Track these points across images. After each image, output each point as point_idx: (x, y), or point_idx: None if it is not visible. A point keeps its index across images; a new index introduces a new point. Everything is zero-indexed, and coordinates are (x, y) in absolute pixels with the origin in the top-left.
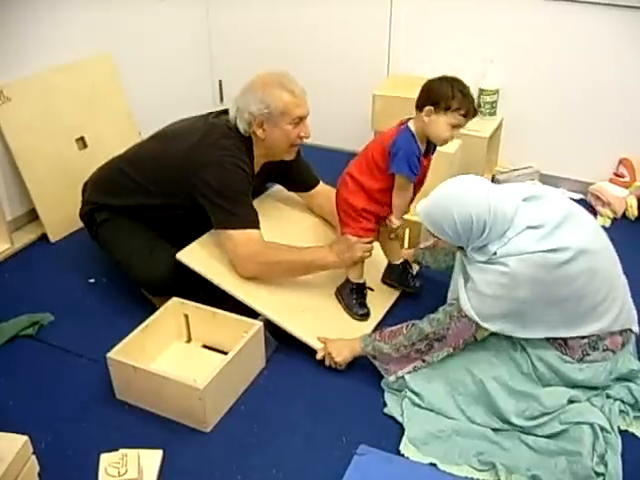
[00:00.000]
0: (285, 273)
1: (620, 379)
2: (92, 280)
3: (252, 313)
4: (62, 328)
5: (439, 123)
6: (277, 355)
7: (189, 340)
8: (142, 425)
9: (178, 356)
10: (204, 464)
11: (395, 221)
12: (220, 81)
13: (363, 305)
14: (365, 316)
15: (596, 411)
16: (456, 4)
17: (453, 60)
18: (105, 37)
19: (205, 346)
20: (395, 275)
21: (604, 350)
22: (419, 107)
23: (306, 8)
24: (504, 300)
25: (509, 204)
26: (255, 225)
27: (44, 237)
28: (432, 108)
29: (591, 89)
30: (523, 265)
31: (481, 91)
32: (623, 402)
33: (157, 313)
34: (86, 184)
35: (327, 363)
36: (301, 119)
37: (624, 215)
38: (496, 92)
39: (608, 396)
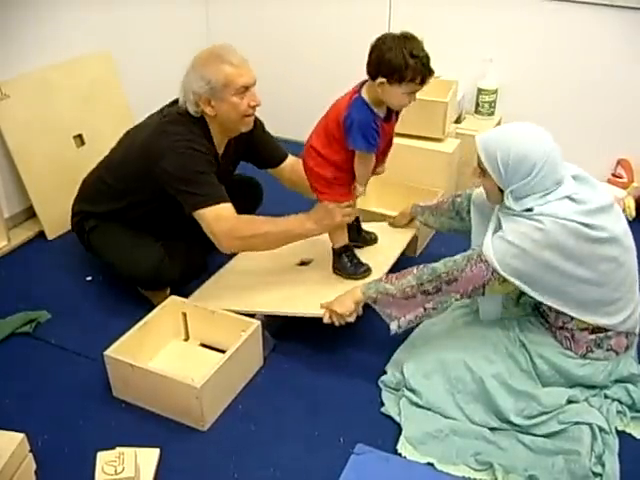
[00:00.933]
0: (265, 245)
1: (619, 381)
2: (89, 278)
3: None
4: (59, 326)
5: (394, 93)
6: (275, 354)
7: (187, 338)
8: (139, 423)
9: (176, 354)
10: (201, 463)
11: (359, 188)
12: None
13: (360, 263)
14: (366, 272)
15: (594, 411)
16: (455, 4)
17: (452, 59)
18: (104, 35)
19: (203, 345)
20: (350, 235)
21: (608, 350)
22: (371, 76)
23: (305, 8)
24: (529, 256)
25: (562, 168)
26: (222, 200)
27: (41, 234)
28: (385, 79)
29: (590, 89)
30: (557, 228)
31: (480, 91)
32: (621, 403)
33: (155, 311)
34: (76, 196)
35: (336, 323)
36: (247, 88)
37: None
38: (495, 92)
39: (606, 396)
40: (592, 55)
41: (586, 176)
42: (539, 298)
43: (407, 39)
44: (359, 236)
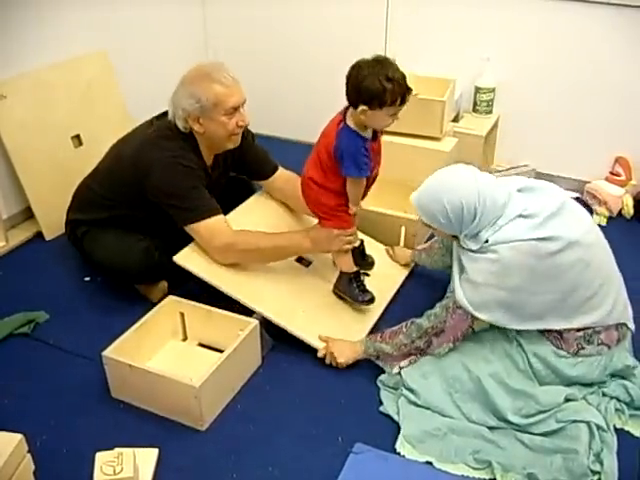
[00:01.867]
0: (261, 259)
1: (615, 375)
2: (87, 278)
3: (247, 311)
4: (57, 326)
5: (377, 118)
6: (273, 354)
7: (185, 338)
8: (138, 423)
9: (174, 354)
10: (200, 462)
11: (353, 208)
12: None
13: (366, 291)
14: (371, 301)
15: (592, 409)
16: (452, 3)
17: (449, 58)
18: (101, 35)
19: (201, 344)
20: (354, 258)
21: (599, 344)
22: (352, 104)
23: (303, 7)
24: (495, 288)
25: (500, 192)
26: (215, 213)
27: (39, 235)
28: (366, 107)
29: (587, 88)
30: (513, 253)
31: (477, 89)
32: (619, 400)
33: (153, 311)
34: (69, 206)
35: (327, 362)
36: (236, 108)
37: (620, 214)
38: (492, 90)
39: (604, 394)
40: (590, 53)
41: (531, 185)
42: (521, 327)
43: (380, 63)
44: (363, 260)
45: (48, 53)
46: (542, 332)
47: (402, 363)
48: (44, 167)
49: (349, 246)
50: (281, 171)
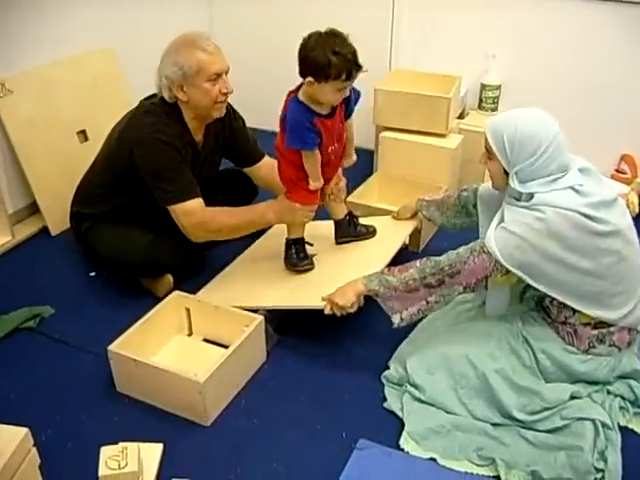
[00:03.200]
0: (229, 235)
1: (622, 377)
2: (93, 273)
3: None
4: (63, 321)
5: (323, 92)
6: (278, 349)
7: (190, 334)
8: (142, 418)
9: (179, 350)
10: (204, 458)
11: (312, 183)
12: None
13: (304, 257)
14: (308, 265)
15: (597, 407)
16: (458, 0)
17: (455, 55)
18: (108, 32)
19: (206, 340)
20: (344, 229)
21: (610, 345)
22: (301, 75)
23: (308, 4)
24: (530, 246)
25: (568, 156)
26: (191, 196)
27: (45, 230)
28: (312, 78)
29: (593, 85)
30: (559, 218)
31: (483, 86)
32: (623, 398)
33: (158, 306)
34: (72, 199)
35: (337, 314)
36: (219, 75)
37: None
38: (498, 87)
39: (608, 392)
40: (595, 51)
41: (592, 169)
42: (541, 289)
43: (330, 36)
44: (356, 231)
45: (55, 49)
46: (555, 325)
47: (404, 314)
48: (50, 162)
49: (309, 220)
50: (267, 158)
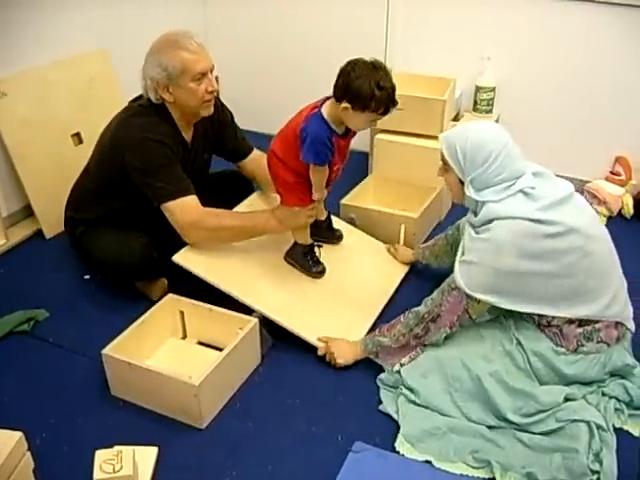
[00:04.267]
0: (229, 238)
1: (614, 375)
2: (87, 276)
3: (247, 309)
4: (57, 324)
5: (356, 119)
6: (273, 352)
7: (184, 337)
8: (137, 422)
9: (173, 353)
10: (199, 461)
11: (315, 195)
12: (216, 77)
13: (318, 262)
14: (322, 272)
15: (592, 409)
16: (453, 1)
17: (450, 57)
18: (102, 34)
19: (200, 343)
20: (320, 231)
21: (599, 342)
22: (337, 98)
23: (303, 6)
24: (490, 268)
25: (519, 163)
26: (186, 192)
27: (39, 233)
28: (349, 105)
29: (588, 87)
30: (507, 232)
31: (478, 88)
32: (618, 400)
33: (152, 309)
34: (66, 204)
35: (327, 359)
36: (204, 74)
37: (620, 213)
38: (493, 89)
39: (603, 394)
40: (590, 52)
41: (547, 172)
42: (514, 308)
43: (376, 69)
44: (331, 232)
45: (49, 51)
46: (542, 328)
47: (403, 360)
48: (44, 165)
49: (311, 220)
50: (255, 152)
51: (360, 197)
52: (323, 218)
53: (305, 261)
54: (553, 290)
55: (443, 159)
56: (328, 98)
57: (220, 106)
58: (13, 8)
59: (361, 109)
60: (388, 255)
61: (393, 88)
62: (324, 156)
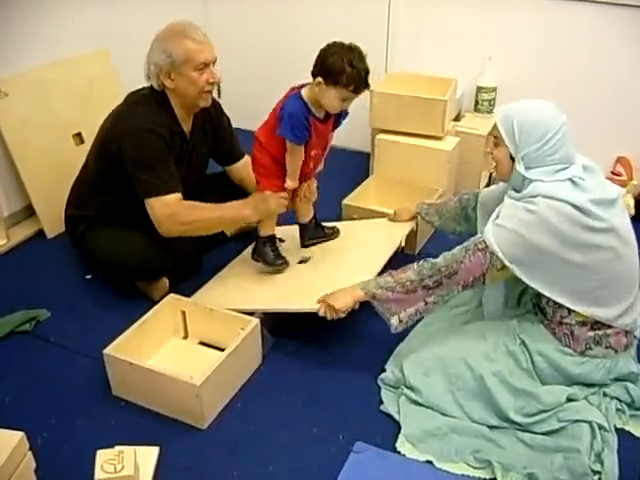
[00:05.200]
0: (204, 230)
1: (619, 380)
2: (89, 276)
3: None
4: (58, 324)
5: (328, 95)
6: (274, 352)
7: (186, 337)
8: (138, 422)
9: (175, 353)
10: (200, 461)
11: (289, 182)
12: (219, 87)
13: (279, 255)
14: (283, 264)
15: (594, 409)
16: (454, 2)
17: (451, 57)
18: (103, 34)
19: (202, 343)
20: (310, 232)
21: (607, 347)
22: (312, 74)
23: (304, 5)
24: (524, 240)
25: (573, 151)
26: (172, 190)
27: (41, 233)
28: (322, 80)
29: (589, 87)
30: (550, 210)
31: (479, 89)
32: (620, 401)
33: (154, 309)
34: (66, 201)
35: (329, 317)
36: (206, 65)
37: None
38: (494, 90)
39: (605, 394)
40: (591, 53)
41: (596, 169)
42: (533, 285)
43: (351, 49)
44: (323, 232)
45: (50, 51)
46: (553, 326)
47: (402, 315)
48: (45, 165)
49: (281, 207)
50: (247, 158)
51: (361, 197)
52: (307, 220)
53: (266, 253)
54: (574, 282)
55: (496, 133)
56: (305, 84)
57: (219, 108)
58: (13, 8)
59: (333, 84)
60: (387, 224)
61: (366, 70)
62: (300, 133)
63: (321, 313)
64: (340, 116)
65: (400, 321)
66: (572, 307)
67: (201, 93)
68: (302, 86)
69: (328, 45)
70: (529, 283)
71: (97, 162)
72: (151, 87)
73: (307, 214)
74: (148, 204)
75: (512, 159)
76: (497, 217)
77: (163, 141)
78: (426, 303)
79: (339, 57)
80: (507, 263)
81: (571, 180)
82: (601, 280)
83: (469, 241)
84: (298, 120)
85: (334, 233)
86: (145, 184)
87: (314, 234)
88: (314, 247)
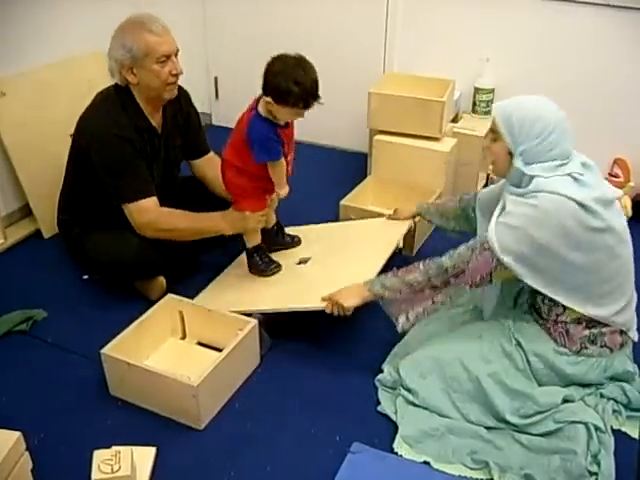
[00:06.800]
0: (180, 237)
1: (614, 379)
2: (86, 276)
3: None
4: (55, 324)
5: (280, 112)
6: (272, 353)
7: (184, 337)
8: (135, 422)
9: (172, 353)
10: (197, 461)
11: (281, 190)
12: (216, 78)
13: (271, 261)
14: (277, 268)
15: (590, 410)
16: (453, 2)
17: (449, 58)
18: (101, 35)
19: (200, 343)
20: (272, 238)
21: (602, 346)
22: (263, 92)
23: (302, 5)
24: (527, 236)
25: (572, 148)
26: (146, 194)
27: (38, 233)
28: (271, 100)
29: (586, 89)
30: (554, 205)
31: (477, 90)
32: (616, 402)
33: (152, 310)
34: (57, 206)
35: (335, 313)
36: (168, 57)
37: None
38: (492, 91)
39: (602, 395)
40: (589, 55)
41: (594, 167)
42: (533, 284)
43: (296, 64)
44: (284, 240)
45: (48, 52)
46: (548, 326)
47: (410, 314)
48: (43, 165)
49: (260, 225)
50: (211, 154)
51: (359, 198)
52: (270, 226)
53: (257, 263)
54: (572, 280)
55: (494, 128)
56: (260, 98)
57: (188, 99)
58: (12, 8)
59: (282, 103)
60: (385, 224)
61: (313, 82)
62: (276, 151)
63: (328, 310)
64: None
65: (407, 319)
66: (568, 305)
67: (165, 86)
68: (258, 99)
69: (272, 61)
70: (527, 280)
71: (74, 165)
72: (115, 84)
73: (271, 220)
74: (125, 209)
75: (510, 154)
76: (500, 215)
77: (129, 144)
78: (434, 302)
79: (283, 77)
80: (507, 262)
81: (571, 176)
82: (598, 280)
83: (475, 240)
84: (269, 141)
85: (294, 243)
86: (117, 190)
87: (276, 241)
88: (314, 247)
